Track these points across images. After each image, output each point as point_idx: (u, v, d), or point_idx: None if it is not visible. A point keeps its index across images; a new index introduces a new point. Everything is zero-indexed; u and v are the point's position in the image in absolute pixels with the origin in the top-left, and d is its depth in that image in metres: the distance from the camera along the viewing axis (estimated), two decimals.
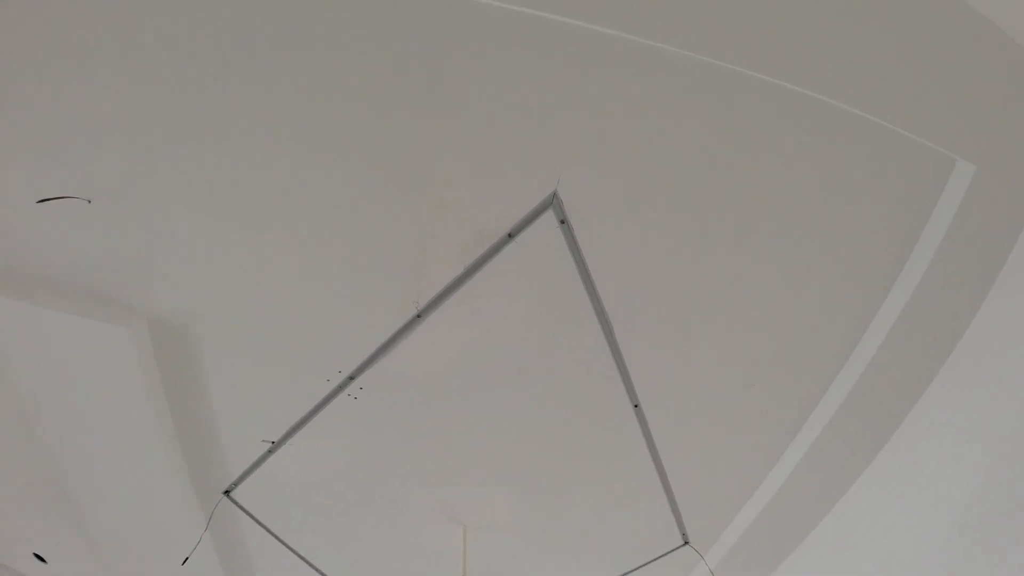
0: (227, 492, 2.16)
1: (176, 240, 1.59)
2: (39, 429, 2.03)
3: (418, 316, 1.66)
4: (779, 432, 1.99)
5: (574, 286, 1.62)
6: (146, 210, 1.53)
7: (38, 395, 1.93)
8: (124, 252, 1.62)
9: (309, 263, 1.61)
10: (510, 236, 1.53)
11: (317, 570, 2.35)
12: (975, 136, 1.38)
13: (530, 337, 1.72)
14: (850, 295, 1.67)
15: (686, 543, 2.24)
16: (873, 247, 1.58)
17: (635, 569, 2.31)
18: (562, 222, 1.51)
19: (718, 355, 1.78)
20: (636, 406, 1.85)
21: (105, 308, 1.72)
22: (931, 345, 1.74)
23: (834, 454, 1.99)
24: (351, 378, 1.78)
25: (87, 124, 1.39)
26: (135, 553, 2.34)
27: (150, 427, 1.94)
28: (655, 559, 2.28)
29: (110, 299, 1.71)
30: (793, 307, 1.68)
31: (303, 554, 2.30)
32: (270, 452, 2.00)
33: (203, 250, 1.61)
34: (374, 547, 2.29)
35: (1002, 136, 1.38)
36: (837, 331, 1.74)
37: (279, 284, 1.66)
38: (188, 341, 1.79)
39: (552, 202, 1.48)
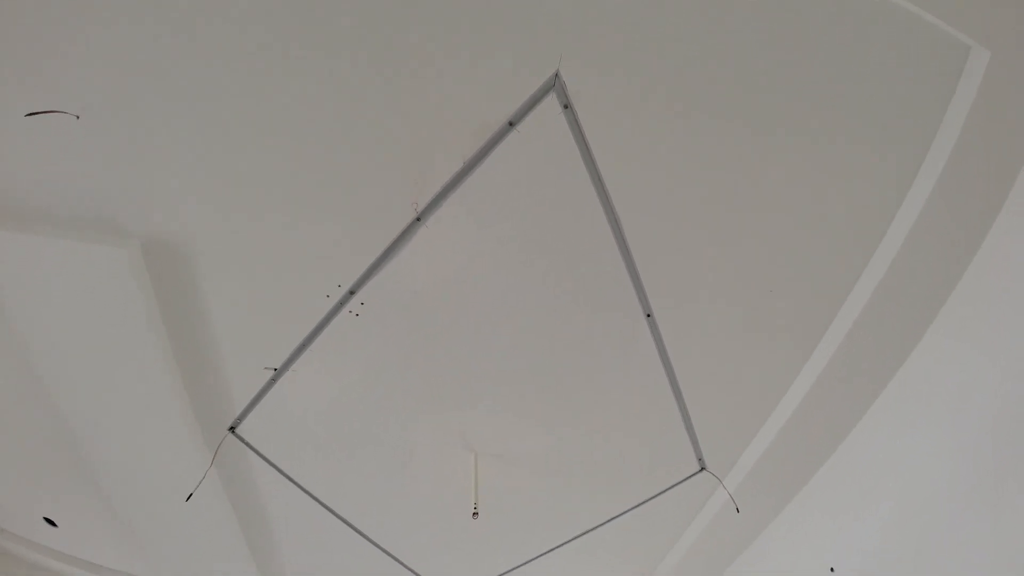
0: (232, 428, 2.11)
1: (169, 159, 1.53)
2: (38, 368, 1.99)
3: (418, 219, 1.59)
4: (795, 349, 1.93)
5: (581, 181, 1.54)
6: (138, 131, 1.47)
7: (33, 330, 1.89)
8: (115, 175, 1.57)
9: (303, 173, 1.55)
10: (511, 125, 1.45)
11: (326, 507, 2.31)
12: (990, 19, 1.30)
13: (534, 241, 1.65)
14: (867, 199, 1.61)
15: (703, 469, 2.18)
16: (887, 149, 1.52)
17: (652, 497, 2.25)
18: (565, 107, 1.43)
19: (733, 261, 1.71)
20: (648, 315, 1.78)
21: (97, 232, 1.67)
22: (949, 253, 1.67)
23: (852, 373, 1.92)
24: (351, 292, 1.72)
25: (78, 45, 1.34)
26: (142, 495, 2.31)
27: (150, 357, 1.89)
28: (672, 486, 2.22)
29: (102, 223, 1.66)
30: (810, 209, 1.61)
31: (311, 490, 2.26)
32: (273, 380, 1.95)
33: (196, 169, 1.55)
34: (384, 477, 2.24)
35: (1017, 20, 1.29)
36: (854, 237, 1.68)
37: (274, 197, 1.60)
38: (184, 264, 1.73)
39: (554, 84, 1.40)
